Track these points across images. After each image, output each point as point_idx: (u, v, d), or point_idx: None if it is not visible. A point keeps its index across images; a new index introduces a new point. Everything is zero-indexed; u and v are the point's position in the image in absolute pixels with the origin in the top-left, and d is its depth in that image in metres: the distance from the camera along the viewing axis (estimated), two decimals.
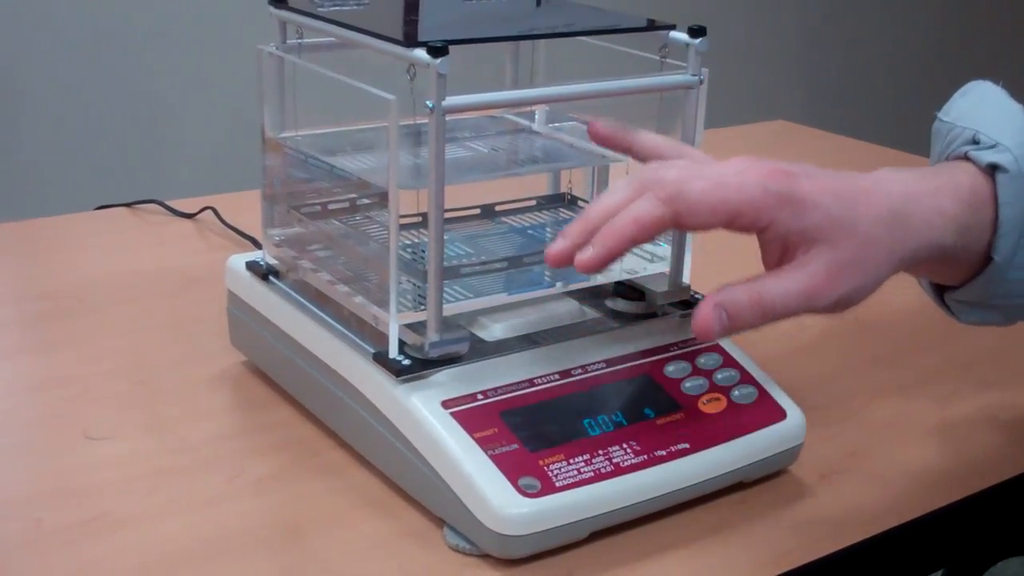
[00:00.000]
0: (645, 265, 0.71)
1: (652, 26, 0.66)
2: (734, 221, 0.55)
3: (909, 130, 2.83)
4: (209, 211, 1.02)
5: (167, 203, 1.05)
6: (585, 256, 0.55)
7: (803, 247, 0.55)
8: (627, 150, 0.64)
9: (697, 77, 0.65)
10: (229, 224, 1.00)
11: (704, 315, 0.54)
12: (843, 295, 0.55)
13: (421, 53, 0.57)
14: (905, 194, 0.58)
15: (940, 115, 0.65)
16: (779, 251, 0.56)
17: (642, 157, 0.63)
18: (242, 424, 0.71)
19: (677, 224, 0.55)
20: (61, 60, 1.82)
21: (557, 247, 0.56)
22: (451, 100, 0.57)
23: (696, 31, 0.65)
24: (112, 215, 1.05)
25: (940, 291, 0.66)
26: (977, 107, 0.64)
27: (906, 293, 0.92)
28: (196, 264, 0.93)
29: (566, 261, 0.56)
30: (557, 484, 0.57)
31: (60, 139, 1.86)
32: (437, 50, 0.56)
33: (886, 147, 1.37)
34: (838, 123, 1.73)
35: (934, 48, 2.95)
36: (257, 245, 0.91)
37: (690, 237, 0.69)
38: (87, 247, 0.98)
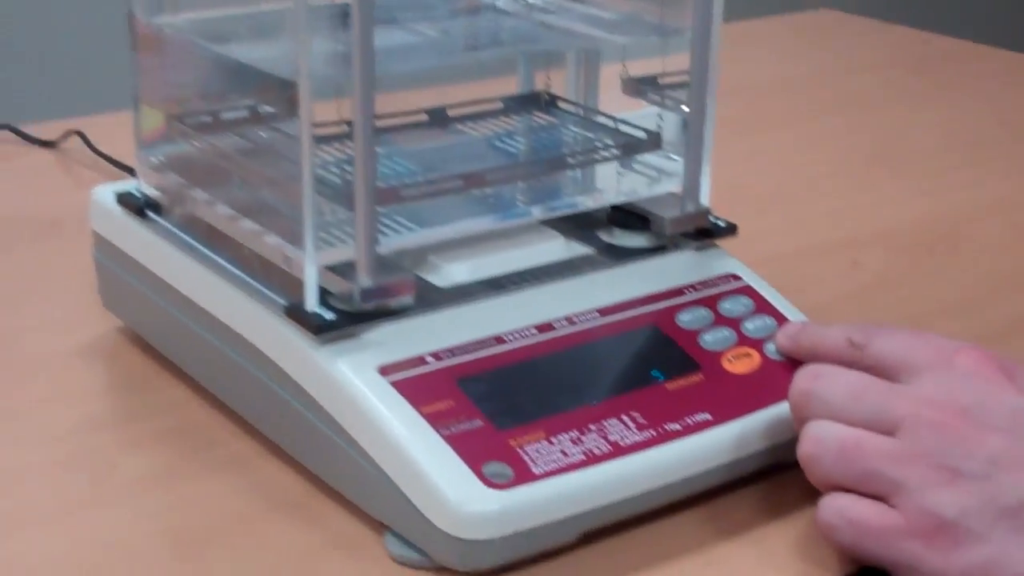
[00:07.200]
0: (649, 184, 0.70)
1: None
2: None
3: (968, 16, 2.84)
4: (75, 137, 1.04)
5: (21, 128, 1.06)
6: None
7: None
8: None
9: None
10: (101, 152, 1.00)
11: None
12: None
13: None
14: None
15: None
16: None
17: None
18: (117, 408, 0.71)
19: None
20: None
21: None
22: None
23: None
24: None
25: None
26: None
27: (992, 217, 0.92)
28: (60, 204, 0.94)
29: None
30: (535, 471, 0.56)
31: None
32: None
33: (944, 35, 1.43)
34: (889, 10, 1.79)
35: None
36: (135, 175, 0.89)
37: (708, 147, 0.69)
38: None
